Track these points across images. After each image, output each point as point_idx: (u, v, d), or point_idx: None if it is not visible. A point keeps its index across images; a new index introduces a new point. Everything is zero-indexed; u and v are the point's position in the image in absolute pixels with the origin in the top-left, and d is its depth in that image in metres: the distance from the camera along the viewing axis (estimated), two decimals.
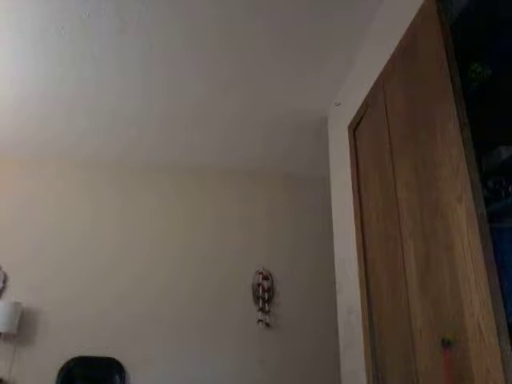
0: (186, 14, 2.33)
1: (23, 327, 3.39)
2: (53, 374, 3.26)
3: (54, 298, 3.52)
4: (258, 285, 3.77)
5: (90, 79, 2.89)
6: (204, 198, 4.07)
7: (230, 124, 3.43)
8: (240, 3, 2.25)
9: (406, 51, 1.85)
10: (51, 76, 2.86)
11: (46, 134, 3.61)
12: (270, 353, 3.55)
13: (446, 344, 1.35)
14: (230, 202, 4.08)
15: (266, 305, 3.71)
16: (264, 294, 3.74)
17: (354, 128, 2.47)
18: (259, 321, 3.66)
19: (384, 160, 1.98)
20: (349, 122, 2.56)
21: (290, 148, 3.71)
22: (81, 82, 2.91)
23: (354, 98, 2.54)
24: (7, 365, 3.30)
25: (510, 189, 1.51)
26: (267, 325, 3.65)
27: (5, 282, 3.54)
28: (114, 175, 4.05)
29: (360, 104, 2.38)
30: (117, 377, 3.35)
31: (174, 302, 3.64)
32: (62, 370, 3.29)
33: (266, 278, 3.80)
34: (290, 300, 3.76)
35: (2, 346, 3.33)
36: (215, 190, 4.12)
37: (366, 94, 2.29)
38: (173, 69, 2.78)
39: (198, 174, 4.13)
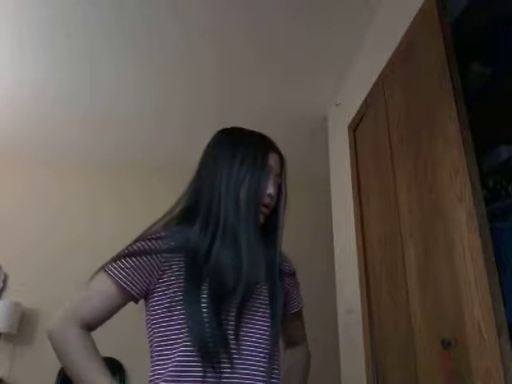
0: (182, 14, 2.32)
1: (23, 327, 3.38)
2: (53, 374, 3.25)
3: (54, 298, 3.51)
4: None
5: (87, 80, 2.89)
6: None
7: (227, 124, 3.41)
8: (238, 4, 2.25)
9: (406, 51, 1.85)
10: (49, 76, 2.86)
11: (43, 134, 3.60)
12: None
13: (446, 344, 1.35)
14: None
15: None
16: None
17: (354, 128, 2.47)
18: None
19: (384, 160, 1.98)
20: (349, 122, 2.56)
21: (288, 148, 3.68)
22: (78, 82, 2.91)
23: (354, 98, 2.54)
24: (7, 365, 3.30)
25: (509, 189, 1.51)
26: None
27: (5, 281, 3.54)
28: (110, 174, 4.04)
29: (360, 104, 2.38)
30: (117, 377, 3.34)
31: None
32: (62, 370, 3.28)
33: None
34: None
35: (2, 345, 3.33)
36: None
37: (366, 94, 2.29)
38: (167, 69, 2.78)
39: (193, 172, 4.11)
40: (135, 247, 0.97)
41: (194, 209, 1.03)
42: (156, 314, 0.96)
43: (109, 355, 3.39)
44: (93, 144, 3.78)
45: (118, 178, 4.04)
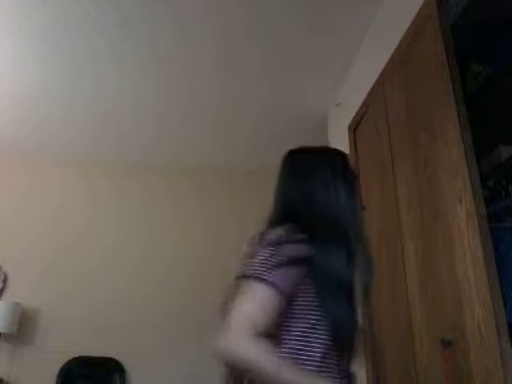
0: (183, 14, 2.32)
1: (23, 327, 3.38)
2: (53, 374, 3.26)
3: (54, 298, 3.52)
4: None
5: (87, 79, 2.88)
6: (199, 197, 4.07)
7: (227, 123, 3.43)
8: (239, 5, 2.25)
9: (406, 51, 1.85)
10: (50, 76, 2.86)
11: (43, 133, 3.60)
12: None
13: (446, 344, 1.35)
14: (226, 201, 4.06)
15: None
16: None
17: (354, 128, 2.47)
18: None
19: (384, 160, 1.98)
20: (349, 122, 2.56)
21: (288, 148, 3.69)
22: (79, 82, 2.91)
23: (353, 98, 2.54)
24: (7, 365, 3.30)
25: (509, 189, 1.51)
26: None
27: (5, 281, 3.54)
28: (110, 173, 4.04)
29: (360, 104, 2.38)
30: (117, 377, 3.35)
31: (173, 302, 3.63)
32: (61, 370, 3.29)
33: None
34: None
35: (2, 345, 3.33)
36: (210, 188, 4.11)
37: (366, 94, 2.29)
38: (168, 68, 2.78)
39: (193, 172, 4.11)
40: (282, 254, 0.97)
41: (293, 216, 1.05)
42: (293, 315, 0.99)
43: (109, 355, 3.39)
44: (93, 144, 3.78)
45: (118, 177, 4.04)
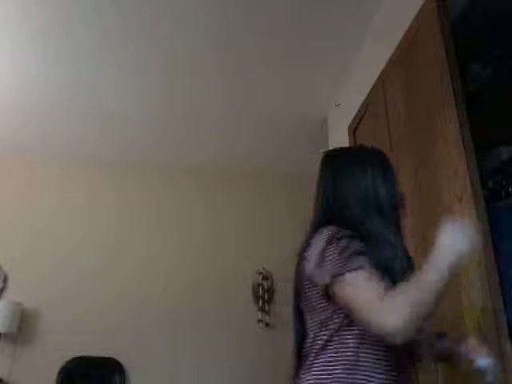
0: (184, 15, 2.33)
1: (23, 327, 3.38)
2: (53, 374, 3.25)
3: (54, 298, 3.52)
4: (258, 285, 3.77)
5: (89, 79, 2.88)
6: (202, 198, 4.06)
7: (228, 124, 3.42)
8: (239, 6, 2.25)
9: (406, 51, 1.85)
10: (51, 76, 2.86)
11: (44, 134, 3.60)
12: (270, 353, 3.55)
13: None
14: (229, 201, 4.06)
15: (266, 305, 3.71)
16: (264, 294, 3.74)
17: (354, 128, 2.47)
18: (259, 321, 3.66)
19: None
20: (349, 122, 2.56)
21: (289, 148, 3.70)
22: (80, 82, 2.91)
23: (354, 98, 2.54)
24: (7, 365, 3.30)
25: (510, 189, 1.51)
26: (267, 325, 3.65)
27: (5, 281, 3.54)
28: (112, 174, 4.03)
29: (360, 104, 2.38)
30: (117, 377, 3.34)
31: (173, 303, 3.63)
32: (61, 369, 3.28)
33: (265, 278, 3.79)
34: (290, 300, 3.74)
35: (2, 345, 3.33)
36: (213, 189, 4.11)
37: (366, 94, 2.29)
38: (170, 69, 2.78)
39: (195, 173, 4.11)
40: (349, 248, 0.99)
41: (333, 217, 1.07)
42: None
43: (109, 355, 3.39)
44: (94, 144, 3.77)
45: (119, 178, 4.03)
